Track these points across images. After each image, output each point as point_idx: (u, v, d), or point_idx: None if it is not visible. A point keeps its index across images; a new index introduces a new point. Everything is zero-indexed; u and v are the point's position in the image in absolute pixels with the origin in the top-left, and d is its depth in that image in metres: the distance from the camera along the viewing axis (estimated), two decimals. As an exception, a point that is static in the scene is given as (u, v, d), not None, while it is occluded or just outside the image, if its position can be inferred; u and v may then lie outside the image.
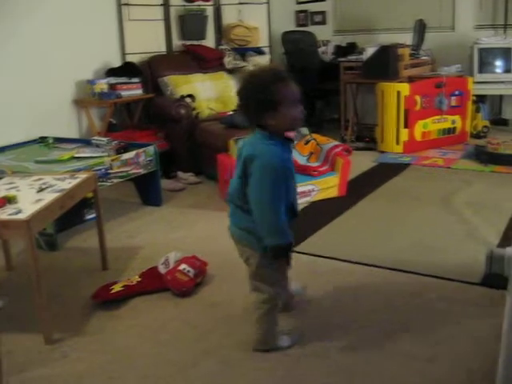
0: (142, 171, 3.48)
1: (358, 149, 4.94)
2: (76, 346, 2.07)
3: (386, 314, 2.20)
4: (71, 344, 2.09)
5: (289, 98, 1.73)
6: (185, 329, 2.16)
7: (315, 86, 5.63)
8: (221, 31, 5.54)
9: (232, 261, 2.63)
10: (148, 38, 4.91)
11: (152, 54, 4.87)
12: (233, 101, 4.70)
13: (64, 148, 3.65)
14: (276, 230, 1.77)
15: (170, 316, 2.26)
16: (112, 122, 4.46)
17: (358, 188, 3.81)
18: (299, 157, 3.72)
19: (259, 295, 1.92)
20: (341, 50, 5.94)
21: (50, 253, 2.97)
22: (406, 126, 4.72)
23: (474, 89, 5.04)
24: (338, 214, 3.36)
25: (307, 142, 3.86)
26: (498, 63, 5.25)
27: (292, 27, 6.45)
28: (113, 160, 3.30)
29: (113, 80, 4.40)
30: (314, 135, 3.95)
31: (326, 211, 3.41)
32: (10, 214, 2.08)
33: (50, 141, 3.79)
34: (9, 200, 2.20)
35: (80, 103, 4.40)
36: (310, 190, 3.58)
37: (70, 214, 2.65)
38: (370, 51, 5.06)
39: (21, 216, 2.05)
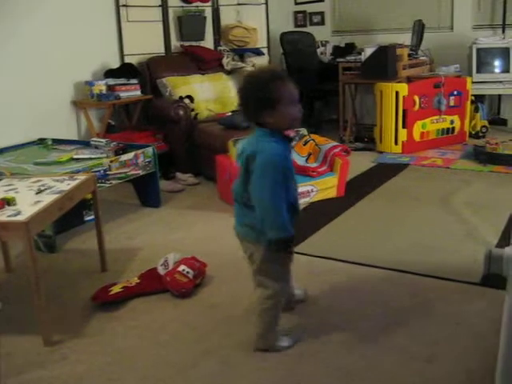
0: (140, 172, 3.48)
1: (356, 149, 4.94)
2: (75, 348, 2.07)
3: (384, 314, 2.20)
4: (70, 346, 2.09)
5: (287, 97, 1.76)
6: (184, 330, 2.16)
7: (314, 86, 5.65)
8: (219, 32, 5.53)
9: (231, 262, 2.64)
10: (146, 40, 4.90)
11: (150, 55, 4.86)
12: (231, 102, 4.71)
13: (63, 149, 3.65)
14: (278, 224, 1.78)
15: (170, 317, 2.26)
16: (111, 123, 4.46)
17: (357, 188, 3.81)
18: (298, 157, 3.71)
19: (263, 291, 1.93)
20: (339, 51, 5.95)
21: (48, 254, 2.97)
22: (404, 127, 4.72)
23: (473, 89, 5.06)
24: (336, 214, 3.36)
25: (306, 143, 3.86)
26: (497, 63, 5.26)
27: (290, 28, 6.47)
28: (111, 161, 3.30)
29: (111, 81, 4.39)
30: (313, 136, 3.96)
31: (324, 212, 3.41)
32: (9, 216, 2.08)
33: (49, 142, 3.79)
34: (7, 202, 2.20)
35: (79, 104, 4.39)
36: (309, 191, 3.58)
37: (69, 216, 2.64)
38: (368, 51, 5.07)
39: (20, 218, 2.04)
